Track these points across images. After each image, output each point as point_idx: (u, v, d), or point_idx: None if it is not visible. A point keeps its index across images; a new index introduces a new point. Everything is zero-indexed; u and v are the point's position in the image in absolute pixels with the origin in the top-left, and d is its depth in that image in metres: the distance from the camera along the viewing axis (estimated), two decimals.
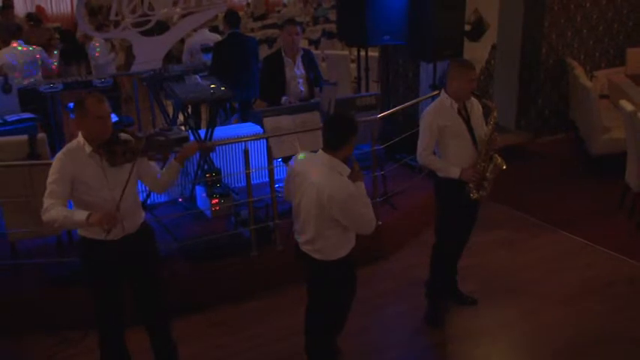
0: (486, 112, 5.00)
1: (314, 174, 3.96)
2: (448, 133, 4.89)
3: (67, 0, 18.28)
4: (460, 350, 5.06)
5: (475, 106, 4.99)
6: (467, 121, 4.91)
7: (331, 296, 4.28)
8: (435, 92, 7.17)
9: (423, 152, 4.97)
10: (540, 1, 8.65)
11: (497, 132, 4.96)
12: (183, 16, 7.14)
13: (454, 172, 4.90)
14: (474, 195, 4.93)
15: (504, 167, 4.90)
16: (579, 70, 8.93)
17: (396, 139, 6.78)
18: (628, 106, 6.86)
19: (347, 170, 3.96)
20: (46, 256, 5.58)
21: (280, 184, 5.83)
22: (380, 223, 6.24)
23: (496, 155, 4.92)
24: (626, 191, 7.09)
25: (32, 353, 5.04)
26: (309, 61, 6.88)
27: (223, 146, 6.72)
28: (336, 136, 3.94)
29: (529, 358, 4.99)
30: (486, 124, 4.93)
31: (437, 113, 4.91)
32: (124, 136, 4.04)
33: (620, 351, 4.93)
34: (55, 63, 9.84)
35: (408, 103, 7.02)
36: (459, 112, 4.89)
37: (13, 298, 5.34)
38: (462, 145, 4.91)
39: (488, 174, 4.91)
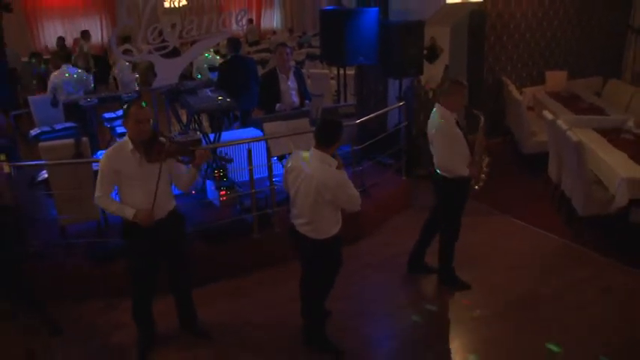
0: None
1: (308, 167, 3.97)
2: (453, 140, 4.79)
3: (98, 32, 17.98)
4: (430, 306, 5.06)
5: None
6: (463, 130, 4.84)
7: (323, 268, 4.28)
8: (401, 103, 7.08)
9: (452, 160, 4.83)
10: (480, 32, 8.62)
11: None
12: (193, 42, 7.05)
13: (463, 170, 4.81)
14: (477, 186, 4.97)
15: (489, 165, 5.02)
16: (512, 87, 8.93)
17: (370, 142, 6.70)
18: (549, 115, 6.97)
19: (335, 162, 3.99)
20: (90, 237, 5.54)
21: (277, 179, 5.75)
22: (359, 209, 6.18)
23: (485, 155, 4.99)
24: (549, 182, 7.14)
25: (86, 315, 4.98)
26: (299, 77, 6.81)
27: (231, 147, 6.54)
28: (328, 135, 3.98)
29: (489, 307, 5.00)
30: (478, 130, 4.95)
31: (447, 125, 4.76)
32: (161, 139, 4.01)
33: (550, 302, 5.05)
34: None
35: (379, 112, 6.94)
36: (457, 124, 4.80)
37: (65, 271, 5.27)
38: (462, 149, 4.83)
39: (484, 169, 4.95)
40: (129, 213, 3.96)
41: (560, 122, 6.47)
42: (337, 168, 3.98)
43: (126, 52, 7.13)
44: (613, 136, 6.98)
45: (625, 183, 5.64)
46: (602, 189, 6.06)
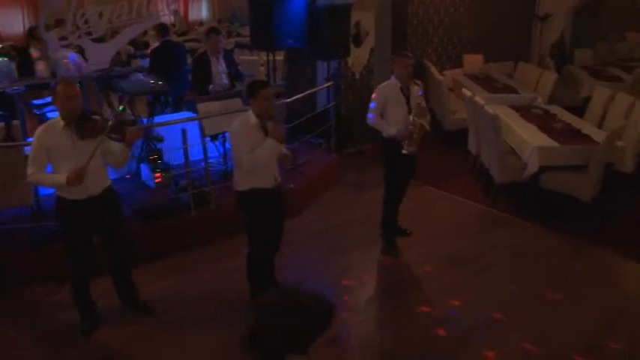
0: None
1: None
2: (390, 102, 5.13)
3: (20, 23, 17.10)
4: (362, 274, 5.18)
5: (416, 88, 5.18)
6: (407, 97, 5.13)
7: (246, 220, 4.37)
8: (330, 83, 7.19)
9: (372, 116, 5.21)
10: (403, 16, 8.84)
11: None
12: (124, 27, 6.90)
13: (392, 131, 5.10)
14: (405, 150, 5.13)
15: (428, 129, 5.20)
16: (433, 69, 9.21)
17: (300, 120, 6.78)
18: (468, 93, 7.27)
19: (254, 119, 4.10)
20: (25, 222, 5.31)
21: (212, 160, 5.75)
22: (292, 186, 6.26)
23: (421, 121, 5.14)
24: (469, 156, 7.44)
25: (29, 300, 4.82)
26: (230, 60, 6.79)
27: (165, 129, 6.44)
28: (247, 91, 4.23)
29: (428, 260, 5.28)
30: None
31: (385, 89, 5.18)
32: (94, 116, 3.92)
33: (473, 260, 5.30)
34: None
35: (308, 92, 7.03)
36: (402, 91, 5.12)
37: (4, 257, 5.02)
38: (400, 113, 5.13)
39: (414, 135, 5.09)
40: (62, 179, 3.81)
41: (477, 98, 6.76)
42: (269, 134, 4.07)
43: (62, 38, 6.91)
44: (524, 111, 7.37)
45: (535, 151, 5.98)
46: (515, 158, 6.40)
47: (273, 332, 1.54)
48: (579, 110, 7.97)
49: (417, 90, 5.15)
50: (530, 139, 6.23)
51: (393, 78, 5.20)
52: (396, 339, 4.23)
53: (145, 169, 6.40)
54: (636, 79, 9.29)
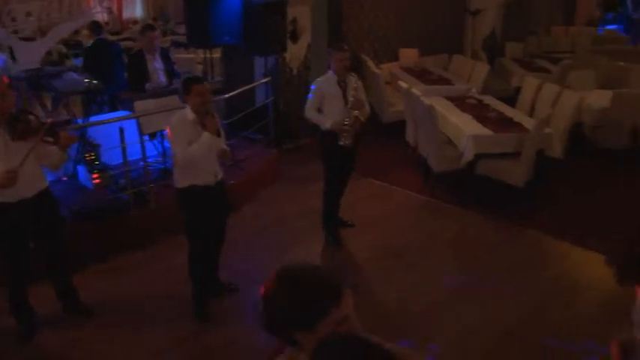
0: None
1: None
2: (327, 96, 5.16)
3: None
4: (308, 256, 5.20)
5: (353, 81, 5.21)
6: (344, 90, 5.16)
7: (189, 218, 4.31)
8: (267, 79, 7.18)
9: (309, 109, 5.28)
10: (338, 12, 8.91)
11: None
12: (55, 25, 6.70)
13: (328, 124, 5.14)
14: (341, 142, 5.17)
15: (363, 120, 5.22)
16: (370, 63, 9.31)
17: (239, 116, 6.75)
18: (404, 85, 7.37)
19: (192, 115, 4.07)
20: None
21: (151, 159, 5.64)
22: (232, 182, 6.21)
23: (356, 113, 5.14)
24: (407, 147, 7.58)
25: None
26: (166, 57, 6.66)
27: (102, 129, 6.26)
28: (181, 88, 4.16)
29: (370, 250, 5.38)
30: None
31: (322, 82, 5.22)
32: (29, 117, 3.76)
33: (414, 249, 5.40)
34: None
35: (245, 88, 6.99)
36: (339, 84, 5.15)
37: None
38: (337, 106, 5.16)
39: (350, 127, 5.13)
40: None
41: (414, 90, 6.89)
42: (205, 127, 4.04)
43: None
44: (459, 101, 7.56)
45: (471, 140, 6.15)
46: (452, 147, 6.56)
47: (280, 308, 1.51)
48: (511, 100, 8.25)
49: (353, 83, 5.20)
50: (465, 128, 6.40)
51: (330, 72, 5.23)
52: None
53: (82, 171, 6.22)
54: (562, 70, 9.68)
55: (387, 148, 8.17)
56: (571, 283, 4.92)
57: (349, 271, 5.08)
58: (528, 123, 6.59)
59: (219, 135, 4.16)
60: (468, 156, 6.18)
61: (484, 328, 4.22)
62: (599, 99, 7.81)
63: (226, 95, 6.29)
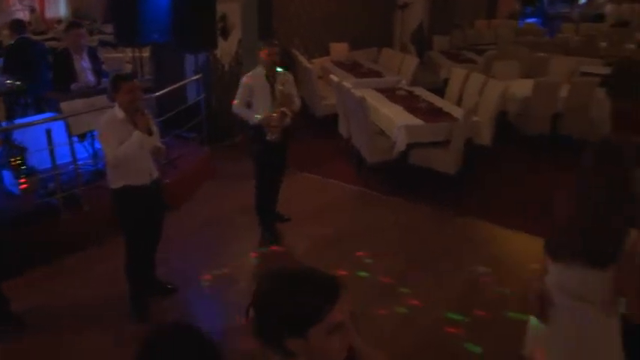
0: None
1: None
2: (255, 91, 5.16)
3: None
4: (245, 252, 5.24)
5: (283, 76, 5.22)
6: (272, 84, 5.15)
7: (124, 219, 4.24)
8: (198, 76, 7.10)
9: (236, 104, 5.26)
10: (268, 8, 8.89)
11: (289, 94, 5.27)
12: None
13: (255, 119, 5.13)
14: (269, 137, 5.16)
15: (289, 114, 5.18)
16: (302, 58, 9.36)
17: (171, 114, 6.66)
18: (335, 79, 7.50)
19: (121, 114, 3.99)
20: None
21: (81, 161, 5.49)
22: (167, 181, 6.12)
23: (284, 110, 5.16)
24: (341, 139, 7.68)
25: None
26: (94, 56, 6.46)
27: (28, 131, 6.03)
28: (110, 86, 4.11)
29: (307, 243, 5.42)
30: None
31: (251, 77, 5.23)
32: None
33: (350, 238, 5.46)
34: None
35: (176, 85, 6.89)
36: (267, 79, 5.14)
37: None
38: (265, 101, 5.16)
39: (277, 122, 5.13)
40: None
41: (345, 83, 6.98)
42: (138, 123, 3.98)
43: None
44: (390, 93, 7.71)
45: (402, 130, 6.28)
46: (384, 138, 6.68)
47: (269, 313, 1.44)
48: (440, 91, 8.51)
49: (282, 77, 5.21)
50: (396, 119, 6.53)
51: (258, 67, 5.23)
52: None
53: (7, 176, 5.97)
54: (487, 61, 10.04)
55: (320, 141, 8.24)
56: (501, 264, 5.12)
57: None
58: (457, 112, 6.79)
59: (150, 133, 4.09)
60: (400, 146, 6.32)
61: (420, 316, 4.32)
62: (522, 88, 8.14)
63: (157, 93, 6.17)
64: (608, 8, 18.19)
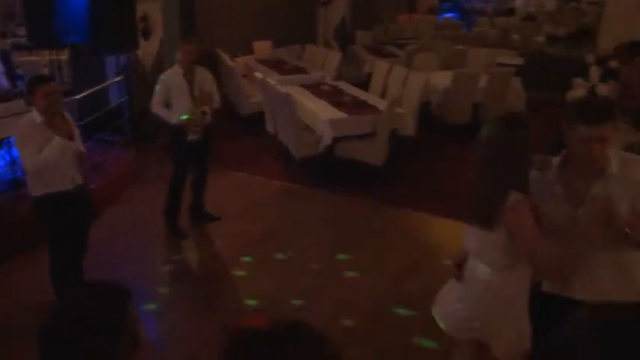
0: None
1: None
2: (174, 90, 5.10)
3: None
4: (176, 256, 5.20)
5: (201, 74, 5.18)
6: (190, 83, 5.10)
7: (47, 227, 4.10)
8: (119, 78, 6.93)
9: (155, 104, 5.18)
10: (190, 7, 8.78)
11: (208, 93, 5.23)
12: None
13: (175, 119, 5.08)
14: (189, 137, 5.14)
15: (209, 112, 5.16)
16: (225, 57, 9.29)
17: (93, 117, 6.47)
18: (259, 75, 7.56)
19: (40, 118, 3.78)
20: None
21: None
22: (92, 186, 5.94)
23: (204, 109, 5.14)
24: (268, 136, 7.70)
25: None
26: (6, 59, 6.23)
27: None
28: (26, 89, 3.99)
29: (239, 241, 5.39)
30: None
31: (169, 76, 5.14)
32: None
33: (282, 233, 5.48)
34: None
35: (95, 88, 6.72)
36: (185, 76, 5.09)
37: None
38: (184, 100, 5.10)
39: (197, 121, 5.10)
40: None
41: (269, 79, 7.00)
42: (57, 127, 3.84)
43: None
44: (314, 88, 7.79)
45: (328, 124, 6.37)
46: (310, 133, 6.75)
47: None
48: (364, 85, 8.68)
49: (201, 76, 5.18)
50: (322, 114, 6.62)
51: (175, 65, 5.18)
52: (207, 329, 4.12)
53: None
54: (408, 54, 10.29)
55: (247, 139, 8.22)
56: (429, 249, 5.29)
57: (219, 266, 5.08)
58: (381, 105, 6.94)
59: (72, 138, 3.96)
60: (327, 140, 6.40)
61: (352, 307, 4.40)
62: (442, 79, 8.41)
63: (78, 96, 5.98)
64: (518, 3, 19.03)
